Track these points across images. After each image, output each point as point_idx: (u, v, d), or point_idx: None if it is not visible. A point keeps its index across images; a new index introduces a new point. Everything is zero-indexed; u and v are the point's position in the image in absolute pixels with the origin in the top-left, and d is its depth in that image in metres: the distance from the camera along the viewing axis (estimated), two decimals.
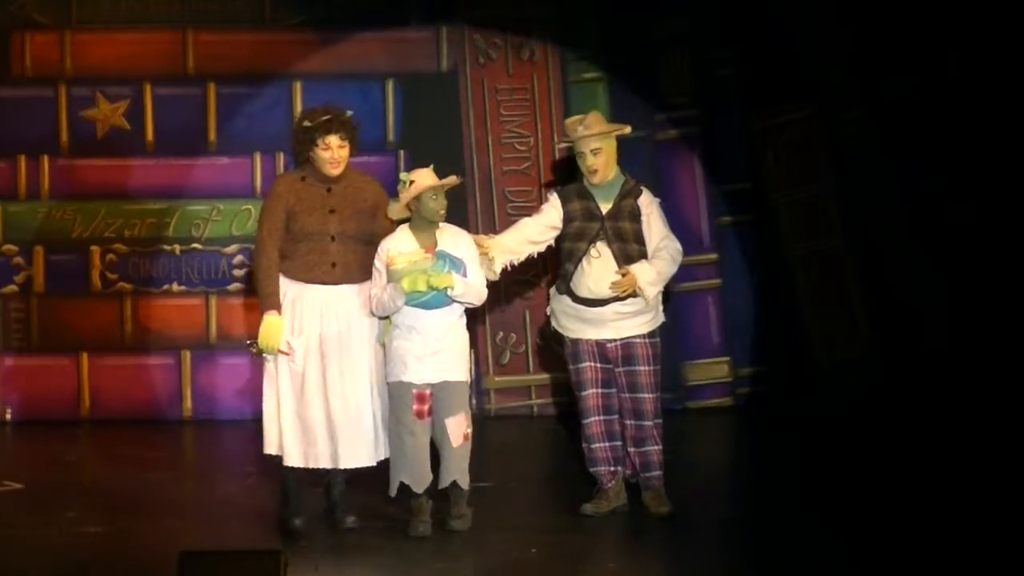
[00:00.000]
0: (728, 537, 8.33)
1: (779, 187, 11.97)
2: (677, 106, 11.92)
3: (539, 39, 11.90)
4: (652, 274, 8.12)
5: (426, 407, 7.96)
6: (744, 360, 11.96)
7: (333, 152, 7.95)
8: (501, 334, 11.83)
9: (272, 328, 7.89)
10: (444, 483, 7.96)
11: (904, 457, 10.10)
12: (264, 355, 7.99)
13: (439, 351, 7.92)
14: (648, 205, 8.22)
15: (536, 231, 8.32)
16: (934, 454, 10.11)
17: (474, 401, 10.52)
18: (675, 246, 8.24)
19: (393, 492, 7.98)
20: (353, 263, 7.96)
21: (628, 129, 8.37)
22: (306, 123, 7.99)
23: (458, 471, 7.94)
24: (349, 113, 8.07)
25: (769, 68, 11.83)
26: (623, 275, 8.07)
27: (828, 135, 11.92)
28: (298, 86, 11.77)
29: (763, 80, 11.85)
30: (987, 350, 11.38)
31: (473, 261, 7.99)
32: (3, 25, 11.71)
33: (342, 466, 7.95)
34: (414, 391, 7.93)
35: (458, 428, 7.93)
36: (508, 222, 11.61)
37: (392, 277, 7.83)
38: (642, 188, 8.28)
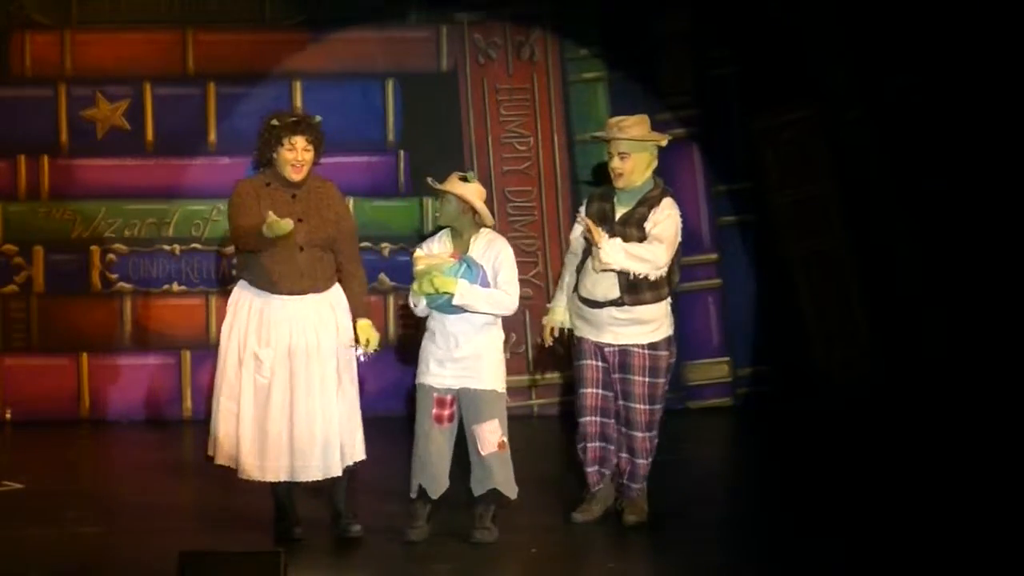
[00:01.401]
0: (727, 537, 8.33)
1: (779, 187, 11.97)
2: (677, 105, 11.92)
3: (539, 39, 11.90)
4: (618, 245, 7.94)
5: (446, 412, 7.92)
6: (744, 360, 11.97)
7: (298, 153, 7.86)
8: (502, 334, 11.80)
9: (276, 221, 7.61)
10: (479, 491, 7.91)
11: (904, 457, 10.11)
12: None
13: (462, 358, 7.87)
14: (659, 211, 8.07)
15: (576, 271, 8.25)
16: (934, 454, 10.11)
17: None
18: (657, 249, 8.01)
19: (413, 493, 7.95)
20: (319, 272, 7.89)
21: (664, 141, 8.22)
22: (274, 122, 7.92)
23: (497, 480, 7.87)
24: (318, 118, 8.01)
25: (769, 68, 11.83)
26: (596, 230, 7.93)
27: (828, 135, 11.92)
28: (298, 86, 11.77)
29: (763, 80, 11.86)
30: (987, 350, 11.39)
31: (503, 270, 7.85)
32: (3, 25, 11.71)
33: (298, 479, 7.87)
34: (435, 395, 7.92)
35: (488, 436, 7.85)
36: (508, 222, 11.71)
37: (413, 277, 7.86)
38: (666, 198, 8.11)
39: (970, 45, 11.42)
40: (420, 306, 7.90)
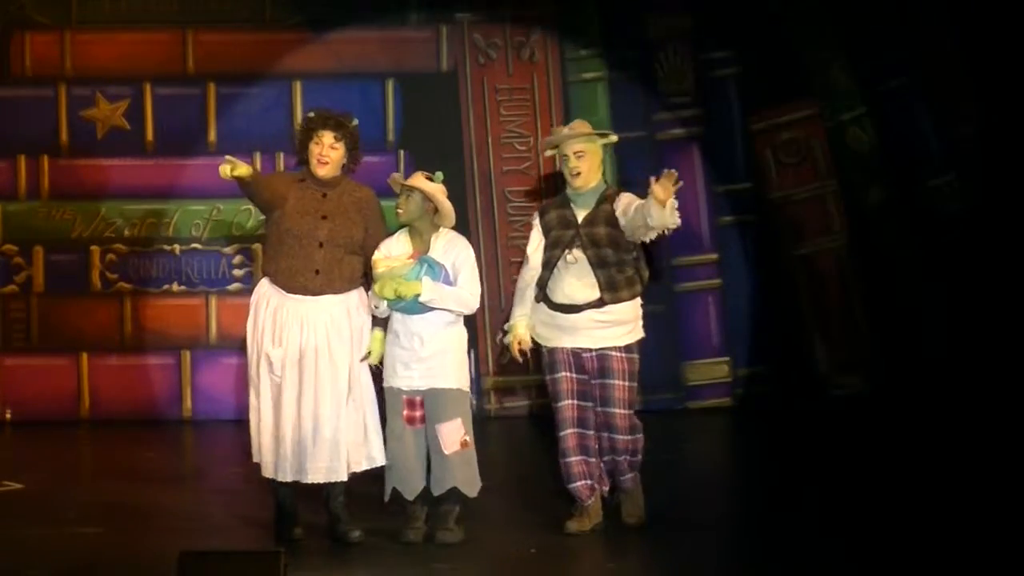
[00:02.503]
0: (727, 537, 8.33)
1: (779, 187, 11.97)
2: (677, 106, 11.94)
3: (539, 39, 11.91)
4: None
5: (417, 414, 7.89)
6: (744, 360, 11.97)
7: (323, 148, 7.88)
8: (501, 334, 11.81)
9: (230, 160, 7.79)
10: (438, 491, 7.88)
11: (903, 457, 10.11)
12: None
13: (427, 357, 7.84)
14: (626, 197, 7.98)
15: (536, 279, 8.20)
16: (933, 454, 10.11)
17: (474, 401, 10.49)
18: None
19: (387, 497, 7.94)
20: (336, 272, 7.87)
21: (615, 137, 8.27)
22: (309, 114, 7.99)
23: (458, 479, 7.85)
24: (355, 121, 8.03)
25: (769, 68, 11.84)
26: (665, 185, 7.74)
27: (828, 135, 11.93)
28: (298, 86, 11.78)
29: (763, 80, 11.87)
30: (986, 350, 11.40)
31: (464, 268, 7.85)
32: (3, 25, 11.72)
33: (306, 480, 7.85)
34: (404, 397, 7.89)
35: (451, 435, 7.84)
36: (508, 222, 11.72)
37: (373, 280, 7.83)
38: (620, 194, 8.10)
39: (969, 45, 11.43)
40: (381, 307, 7.87)
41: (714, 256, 11.96)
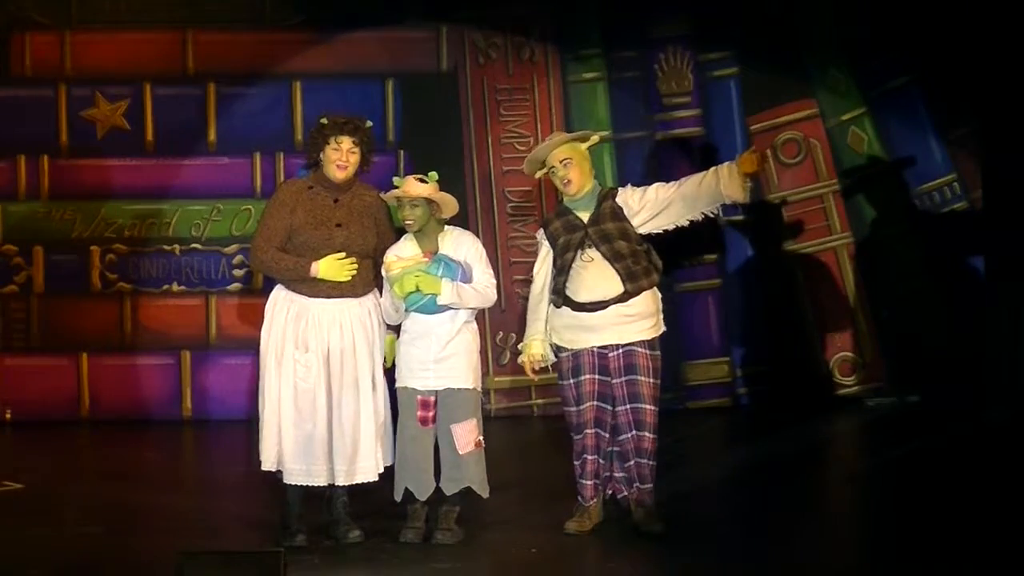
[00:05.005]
0: (727, 537, 8.33)
1: (779, 187, 11.98)
2: (677, 106, 11.94)
3: (539, 39, 11.91)
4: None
5: (431, 414, 7.91)
6: (744, 360, 11.97)
7: (342, 154, 7.87)
8: (501, 334, 11.83)
9: (331, 263, 7.80)
10: (451, 491, 7.90)
11: (902, 457, 10.11)
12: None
13: (444, 358, 7.86)
14: (627, 194, 8.05)
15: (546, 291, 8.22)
16: (933, 453, 10.11)
17: (484, 401, 10.50)
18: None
19: (398, 497, 7.93)
20: (356, 278, 7.88)
21: (596, 137, 8.25)
22: (323, 120, 7.96)
23: (472, 479, 7.87)
24: (369, 123, 8.03)
25: (769, 68, 11.84)
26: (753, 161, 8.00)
27: (828, 135, 11.94)
28: (298, 86, 11.78)
29: (763, 80, 11.88)
30: (986, 349, 11.40)
31: (477, 262, 7.89)
32: (3, 25, 11.72)
33: (339, 483, 7.85)
34: (419, 397, 7.90)
35: (466, 435, 7.86)
36: (508, 222, 11.72)
37: (388, 283, 7.82)
38: (618, 189, 8.14)
39: (969, 44, 11.44)
40: (400, 311, 7.87)
41: (714, 256, 11.96)
